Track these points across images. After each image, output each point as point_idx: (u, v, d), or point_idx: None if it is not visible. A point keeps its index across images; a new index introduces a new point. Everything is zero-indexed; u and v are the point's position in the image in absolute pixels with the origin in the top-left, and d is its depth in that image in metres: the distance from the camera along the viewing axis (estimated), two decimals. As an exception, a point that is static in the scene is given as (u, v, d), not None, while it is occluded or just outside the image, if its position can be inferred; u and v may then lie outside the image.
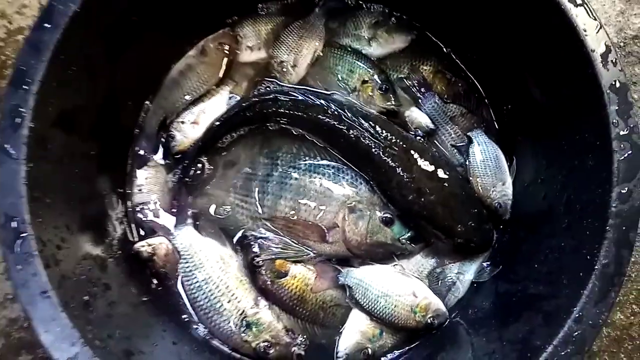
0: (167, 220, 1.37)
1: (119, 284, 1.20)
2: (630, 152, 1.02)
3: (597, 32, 1.08)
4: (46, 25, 1.04)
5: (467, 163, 1.39)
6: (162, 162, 1.42)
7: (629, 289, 1.46)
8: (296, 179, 1.32)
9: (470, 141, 1.40)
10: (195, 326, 1.31)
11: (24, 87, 1.00)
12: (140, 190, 1.38)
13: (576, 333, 0.99)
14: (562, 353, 0.98)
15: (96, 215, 1.26)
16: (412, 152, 1.29)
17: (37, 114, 1.01)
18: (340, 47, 1.45)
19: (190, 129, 1.39)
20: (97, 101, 1.23)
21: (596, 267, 1.00)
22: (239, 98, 1.41)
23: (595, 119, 1.06)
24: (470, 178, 1.38)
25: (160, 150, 1.41)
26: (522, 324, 1.12)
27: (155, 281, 1.32)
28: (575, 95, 1.13)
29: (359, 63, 1.43)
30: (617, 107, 1.04)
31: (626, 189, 1.01)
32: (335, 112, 1.32)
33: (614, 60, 1.05)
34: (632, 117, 1.03)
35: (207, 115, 1.40)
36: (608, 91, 1.04)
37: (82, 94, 1.16)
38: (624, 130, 1.03)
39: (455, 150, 1.41)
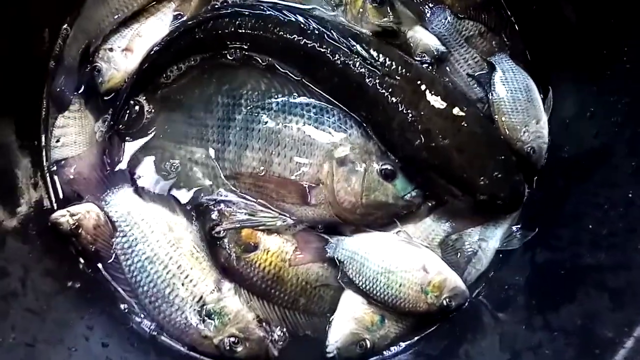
0: (96, 181, 1.18)
1: (24, 267, 1.02)
2: None
3: None
4: None
5: (489, 97, 1.25)
6: (88, 105, 1.23)
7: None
8: (266, 122, 1.17)
9: (492, 68, 1.26)
10: (137, 319, 1.15)
11: None
12: (59, 142, 1.21)
13: (668, 319, 0.82)
14: (652, 349, 0.82)
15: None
16: (418, 82, 1.13)
17: None
18: (319, -50, 1.26)
19: (121, 58, 1.20)
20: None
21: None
22: (186, 17, 1.23)
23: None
24: (495, 116, 1.24)
25: (85, 90, 1.23)
26: (579, 306, 0.96)
27: (82, 261, 1.15)
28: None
29: (345, -31, 1.25)
30: None
31: None
32: (316, 32, 1.14)
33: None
34: None
35: (143, 39, 1.21)
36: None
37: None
38: None
39: (473, 81, 1.27)
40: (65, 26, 1.21)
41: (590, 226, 1.03)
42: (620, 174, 1.00)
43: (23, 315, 0.95)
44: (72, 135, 1.20)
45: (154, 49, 1.18)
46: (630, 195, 0.97)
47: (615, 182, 1.01)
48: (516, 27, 1.29)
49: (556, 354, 0.92)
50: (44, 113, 1.21)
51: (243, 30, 1.16)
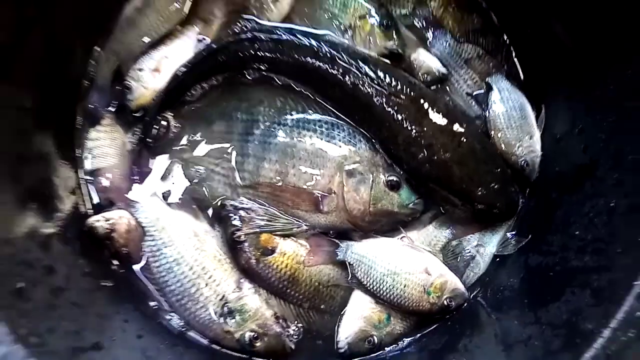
0: (127, 190, 1.22)
1: (68, 266, 1.05)
2: None
3: None
4: None
5: (486, 114, 1.26)
6: (119, 120, 1.26)
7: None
8: (282, 137, 1.19)
9: (489, 88, 1.27)
10: (167, 316, 1.18)
11: None
12: (92, 154, 1.23)
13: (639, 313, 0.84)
14: (623, 338, 0.84)
15: (35, 182, 1.08)
16: (422, 101, 1.15)
17: None
18: (330, -23, 1.26)
19: (150, 78, 1.23)
20: (32, 44, 1.07)
21: (662, 230, 0.86)
22: (209, 40, 1.25)
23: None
24: (491, 132, 1.25)
25: (116, 106, 1.25)
26: (565, 303, 0.98)
27: (115, 262, 1.17)
28: (624, 21, 1.00)
29: (354, -5, 1.25)
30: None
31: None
32: (328, 55, 1.17)
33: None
34: None
35: (170, 61, 1.23)
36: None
37: (6, 31, 1.00)
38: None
39: (472, 100, 1.29)
40: (97, 48, 1.23)
41: (577, 232, 1.05)
42: (605, 185, 1.02)
43: (70, 308, 0.97)
44: (104, 147, 1.22)
45: (180, 69, 1.20)
46: (612, 205, 0.99)
47: (600, 192, 1.02)
48: (512, 50, 1.30)
49: (544, 344, 0.94)
50: (79, 127, 1.23)
51: (262, 53, 1.18)
